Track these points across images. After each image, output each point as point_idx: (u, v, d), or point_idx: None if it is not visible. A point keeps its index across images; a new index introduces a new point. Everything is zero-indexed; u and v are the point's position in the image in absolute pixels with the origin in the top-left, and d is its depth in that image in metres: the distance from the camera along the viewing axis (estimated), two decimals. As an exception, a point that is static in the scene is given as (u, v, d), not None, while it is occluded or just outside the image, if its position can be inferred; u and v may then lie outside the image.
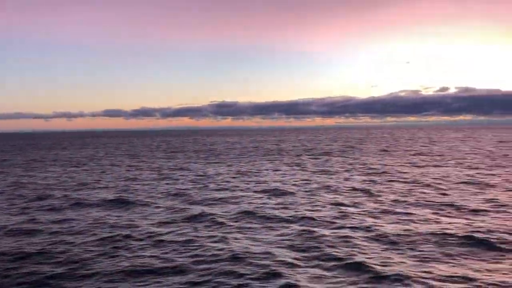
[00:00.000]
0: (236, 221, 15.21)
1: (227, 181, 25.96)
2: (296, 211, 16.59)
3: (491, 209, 16.43)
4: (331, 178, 26.70)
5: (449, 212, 16.07)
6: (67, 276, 10.10)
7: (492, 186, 22.26)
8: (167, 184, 25.32)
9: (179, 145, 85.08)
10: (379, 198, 19.13)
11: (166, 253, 11.66)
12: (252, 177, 28.05)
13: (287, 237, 12.95)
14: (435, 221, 14.61)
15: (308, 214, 16.03)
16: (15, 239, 13.36)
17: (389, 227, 13.82)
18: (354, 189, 21.93)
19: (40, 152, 65.06)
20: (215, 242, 12.54)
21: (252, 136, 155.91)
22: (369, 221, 14.74)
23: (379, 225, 14.10)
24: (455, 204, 17.41)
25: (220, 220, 15.36)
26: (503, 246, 11.67)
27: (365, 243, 12.23)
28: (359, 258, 10.83)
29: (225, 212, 16.85)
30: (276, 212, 16.42)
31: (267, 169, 32.77)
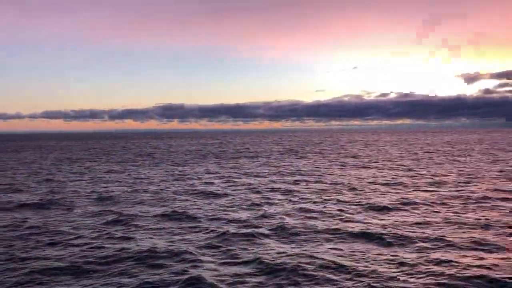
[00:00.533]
0: (152, 222, 15.55)
1: (157, 184, 26.13)
2: (215, 211, 17.19)
3: (397, 207, 17.79)
4: (259, 179, 27.55)
5: (355, 210, 17.28)
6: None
7: (405, 185, 24.03)
8: (93, 186, 25.10)
9: (112, 148, 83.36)
10: (294, 199, 20.15)
11: (73, 254, 11.84)
12: (186, 179, 28.33)
13: (199, 236, 13.50)
14: (339, 219, 15.71)
15: (224, 214, 16.69)
16: None
17: (294, 224, 14.71)
18: (275, 189, 22.86)
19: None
20: (126, 242, 12.86)
21: (197, 139, 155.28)
22: (279, 219, 15.57)
23: (287, 223, 14.94)
24: (362, 203, 18.70)
25: (136, 222, 15.66)
26: (391, 240, 12.83)
27: (269, 240, 13.01)
28: (258, 255, 11.54)
29: (144, 213, 17.14)
30: (197, 213, 16.92)
31: (200, 172, 33.16)
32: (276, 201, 19.52)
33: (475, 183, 24.51)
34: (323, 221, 15.41)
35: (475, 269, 10.23)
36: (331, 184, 25.13)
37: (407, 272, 10.16)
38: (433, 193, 21.33)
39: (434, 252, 11.55)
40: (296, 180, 26.83)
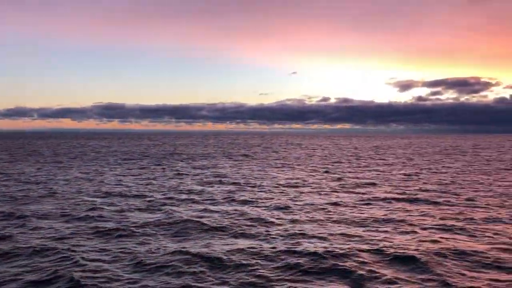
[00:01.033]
0: (41, 219, 15.28)
1: (60, 185, 25.50)
2: (102, 210, 17.14)
3: (291, 206, 18.59)
4: (172, 181, 27.61)
5: (250, 208, 17.87)
6: None
7: (308, 186, 25.11)
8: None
9: (38, 148, 79.90)
10: (200, 198, 20.50)
11: None
12: (92, 181, 27.77)
13: (80, 233, 13.46)
14: (229, 216, 16.20)
15: (116, 215, 16.71)
16: None
17: (185, 220, 15.02)
18: (186, 191, 23.09)
19: None
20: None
21: (135, 140, 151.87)
22: (176, 215, 15.82)
23: (177, 219, 15.21)
24: (260, 201, 19.38)
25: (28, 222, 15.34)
26: (258, 233, 13.46)
27: (150, 236, 13.23)
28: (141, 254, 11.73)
29: (35, 211, 16.79)
30: (89, 213, 16.80)
31: (111, 173, 32.69)
32: (179, 201, 19.73)
33: (379, 186, 26.00)
34: (215, 218, 15.79)
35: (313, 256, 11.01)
36: (242, 185, 25.69)
37: (264, 264, 10.73)
38: (329, 194, 22.45)
39: (295, 244, 12.22)
40: (210, 181, 27.19)
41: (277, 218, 16.14)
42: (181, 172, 32.98)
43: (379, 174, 32.64)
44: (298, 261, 11.06)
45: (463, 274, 10.25)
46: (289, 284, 9.68)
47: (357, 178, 30.06)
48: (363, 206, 18.93)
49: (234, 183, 26.35)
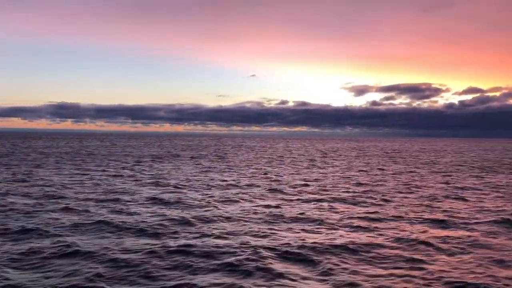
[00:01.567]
0: None
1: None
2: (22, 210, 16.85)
3: (207, 203, 18.92)
4: (104, 181, 27.31)
5: (168, 208, 18.05)
6: None
7: (237, 186, 25.58)
8: None
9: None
10: (127, 198, 20.46)
11: None
12: (22, 181, 27.06)
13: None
14: (151, 213, 16.32)
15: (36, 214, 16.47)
16: None
17: (109, 217, 15.02)
18: (110, 191, 22.95)
19: None
20: None
21: (89, 140, 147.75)
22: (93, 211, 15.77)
23: (91, 220, 15.19)
24: (183, 200, 19.60)
25: None
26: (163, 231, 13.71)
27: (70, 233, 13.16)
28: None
29: None
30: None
31: (45, 173, 31.92)
32: (104, 201, 19.62)
33: (310, 186, 26.82)
34: (129, 219, 15.86)
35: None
36: (174, 186, 25.79)
37: (157, 263, 10.98)
38: (257, 195, 22.99)
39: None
40: (143, 183, 27.12)
41: (192, 218, 16.37)
42: (117, 174, 32.62)
43: (316, 175, 33.58)
44: (193, 258, 11.39)
45: (346, 268, 10.89)
46: (179, 280, 9.96)
47: (293, 179, 30.82)
48: (285, 206, 19.52)
49: (166, 185, 26.38)
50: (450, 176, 35.41)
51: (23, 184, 25.65)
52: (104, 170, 35.00)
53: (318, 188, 26.09)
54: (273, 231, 14.53)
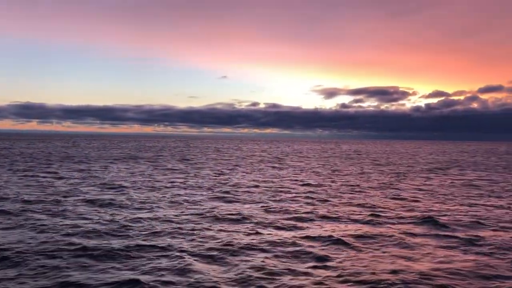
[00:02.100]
0: None
1: None
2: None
3: (143, 205, 18.95)
4: (43, 183, 26.88)
5: (108, 208, 17.98)
6: None
7: (184, 187, 25.64)
8: None
9: None
10: (63, 198, 20.24)
11: None
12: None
13: None
14: (84, 215, 16.22)
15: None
16: None
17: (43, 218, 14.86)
18: (48, 192, 22.63)
19: None
20: None
21: (50, 141, 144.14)
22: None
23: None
24: (120, 202, 19.56)
25: None
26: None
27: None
28: None
29: None
30: None
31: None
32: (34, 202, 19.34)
33: (260, 187, 27.12)
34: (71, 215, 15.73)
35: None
36: (101, 184, 25.62)
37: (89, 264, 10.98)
38: (198, 196, 23.13)
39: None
40: (81, 182, 26.83)
41: (123, 219, 16.36)
42: (59, 176, 32.05)
43: (268, 177, 33.96)
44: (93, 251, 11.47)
45: (256, 266, 11.16)
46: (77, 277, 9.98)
47: (247, 180, 31.06)
48: (224, 204, 19.75)
49: (111, 186, 26.14)
50: (398, 176, 36.46)
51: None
52: (54, 172, 34.36)
53: (265, 189, 26.40)
54: (200, 232, 14.68)
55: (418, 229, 15.79)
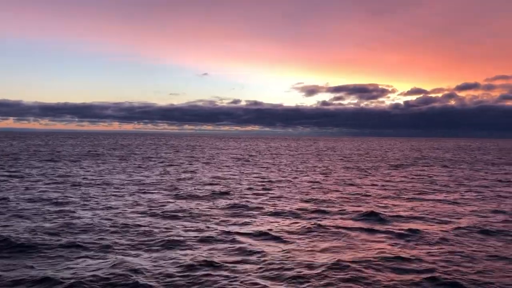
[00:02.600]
0: None
1: None
2: None
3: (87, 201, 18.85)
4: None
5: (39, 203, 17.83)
6: None
7: (150, 185, 25.57)
8: None
9: None
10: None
11: None
12: None
13: None
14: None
15: None
16: None
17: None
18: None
19: None
20: None
21: (23, 139, 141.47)
22: None
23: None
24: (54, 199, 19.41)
25: None
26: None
27: None
28: None
29: None
30: None
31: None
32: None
33: (219, 185, 27.19)
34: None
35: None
36: (56, 183, 25.39)
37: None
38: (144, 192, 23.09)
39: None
40: (44, 174, 26.50)
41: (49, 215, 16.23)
42: (20, 174, 31.58)
43: (231, 174, 34.05)
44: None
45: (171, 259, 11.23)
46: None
47: (205, 176, 31.10)
48: (173, 201, 19.76)
49: (57, 182, 25.88)
50: (361, 173, 36.95)
51: None
52: (15, 171, 33.80)
53: (221, 185, 26.46)
54: (141, 228, 14.65)
55: (358, 224, 16.04)
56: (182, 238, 13.43)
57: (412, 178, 33.33)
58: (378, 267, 11.01)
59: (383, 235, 14.42)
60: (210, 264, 10.96)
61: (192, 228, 14.89)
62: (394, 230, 14.97)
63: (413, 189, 26.07)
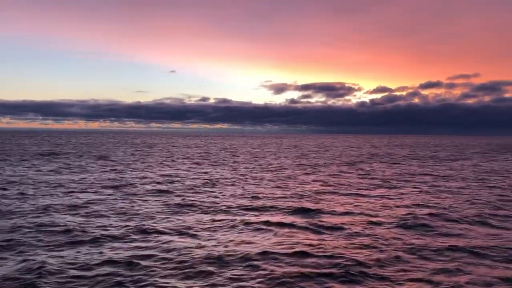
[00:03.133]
0: None
1: None
2: None
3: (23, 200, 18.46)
4: None
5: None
6: None
7: (80, 183, 25.18)
8: None
9: None
10: None
11: None
12: None
13: None
14: None
15: None
16: None
17: None
18: None
19: None
20: None
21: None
22: None
23: None
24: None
25: None
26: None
27: None
28: None
29: None
30: None
31: None
32: None
33: (164, 184, 27.06)
34: None
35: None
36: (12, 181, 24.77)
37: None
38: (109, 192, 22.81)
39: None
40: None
41: None
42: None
43: (178, 172, 33.93)
44: None
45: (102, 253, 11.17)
46: None
47: (156, 174, 30.88)
48: (123, 201, 19.56)
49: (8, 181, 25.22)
50: (311, 169, 37.53)
51: None
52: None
53: (166, 184, 26.37)
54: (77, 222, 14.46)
55: (285, 219, 16.29)
56: (96, 236, 13.33)
57: (359, 174, 34.08)
58: (288, 260, 11.29)
59: (304, 230, 14.71)
60: (115, 262, 10.97)
61: (111, 226, 14.79)
62: (318, 224, 15.32)
63: (354, 185, 26.68)
